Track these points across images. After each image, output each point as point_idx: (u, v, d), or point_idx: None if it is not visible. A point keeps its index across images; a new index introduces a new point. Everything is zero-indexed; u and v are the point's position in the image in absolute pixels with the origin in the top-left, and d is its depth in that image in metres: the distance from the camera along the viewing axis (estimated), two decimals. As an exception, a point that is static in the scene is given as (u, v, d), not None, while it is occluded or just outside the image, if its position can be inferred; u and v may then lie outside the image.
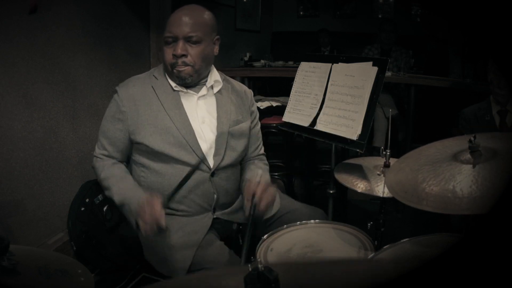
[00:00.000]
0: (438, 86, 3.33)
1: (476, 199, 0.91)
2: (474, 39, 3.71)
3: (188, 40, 1.40)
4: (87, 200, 2.27)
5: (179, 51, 1.39)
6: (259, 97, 3.60)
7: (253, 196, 1.37)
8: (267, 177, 1.54)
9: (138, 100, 1.46)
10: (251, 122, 1.63)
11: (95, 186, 2.34)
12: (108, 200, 2.34)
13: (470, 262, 0.69)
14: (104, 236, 2.28)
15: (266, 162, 1.70)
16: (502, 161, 0.99)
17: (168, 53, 1.42)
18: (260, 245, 1.37)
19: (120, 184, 1.45)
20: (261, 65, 4.27)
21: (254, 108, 1.67)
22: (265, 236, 1.41)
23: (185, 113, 1.47)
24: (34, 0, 1.91)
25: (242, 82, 4.02)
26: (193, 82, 1.47)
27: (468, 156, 1.04)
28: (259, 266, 0.62)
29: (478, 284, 0.65)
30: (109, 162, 1.51)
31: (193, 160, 1.45)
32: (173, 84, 1.47)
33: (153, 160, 1.47)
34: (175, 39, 1.40)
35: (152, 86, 1.48)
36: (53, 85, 2.11)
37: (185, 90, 1.48)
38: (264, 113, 3.28)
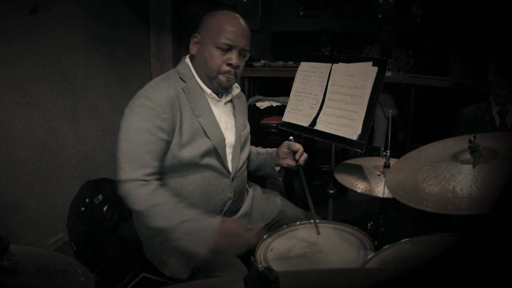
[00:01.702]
0: (438, 86, 3.33)
1: (476, 199, 0.91)
2: (474, 39, 3.71)
3: (242, 52, 1.40)
4: (87, 200, 2.27)
5: (236, 62, 1.38)
6: (259, 97, 3.60)
7: (295, 152, 1.53)
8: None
9: (174, 105, 1.36)
10: None
11: (95, 186, 2.34)
12: (108, 200, 2.36)
13: (470, 262, 0.69)
14: (104, 236, 2.28)
15: None
16: (502, 161, 0.99)
17: (220, 59, 1.37)
18: (260, 245, 1.37)
19: (183, 211, 1.27)
20: (261, 65, 4.27)
21: None
22: (265, 236, 1.41)
23: (216, 120, 1.44)
24: (34, 0, 1.91)
25: (242, 82, 4.02)
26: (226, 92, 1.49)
27: (468, 156, 1.04)
28: (259, 266, 0.62)
29: (478, 284, 0.65)
30: (152, 186, 1.30)
31: (218, 166, 1.44)
32: (208, 90, 1.43)
33: (179, 167, 1.40)
34: (231, 48, 1.37)
35: (182, 89, 1.40)
36: (53, 85, 2.11)
37: (217, 98, 1.46)
38: (264, 113, 3.28)
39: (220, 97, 1.48)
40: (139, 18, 2.78)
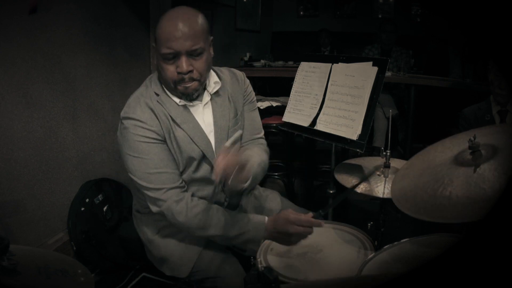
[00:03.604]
0: (438, 86, 3.33)
1: (476, 204, 0.90)
2: (474, 39, 3.71)
3: (191, 54, 1.26)
4: (87, 200, 2.27)
5: (186, 68, 1.26)
6: (259, 97, 3.60)
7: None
8: (254, 157, 1.37)
9: (156, 118, 1.32)
10: (247, 105, 1.53)
11: (95, 186, 2.34)
12: (108, 200, 2.36)
13: (470, 262, 0.69)
14: (104, 236, 2.28)
15: (263, 143, 1.56)
16: (502, 158, 0.98)
17: (170, 70, 1.27)
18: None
19: (230, 216, 1.34)
20: (261, 65, 4.27)
21: (249, 90, 1.54)
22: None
23: (199, 125, 1.37)
24: (34, 0, 1.91)
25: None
26: (198, 94, 1.38)
27: (468, 157, 1.03)
28: (259, 266, 0.62)
29: (477, 284, 0.65)
30: (187, 197, 1.31)
31: (208, 173, 1.39)
32: (177, 100, 1.35)
33: None
34: (176, 55, 1.26)
35: (158, 102, 1.34)
36: (53, 85, 2.11)
37: (190, 103, 1.37)
38: (264, 113, 3.28)
39: (200, 100, 1.39)
40: (139, 18, 2.78)
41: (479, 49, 3.68)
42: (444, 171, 1.03)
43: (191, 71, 1.28)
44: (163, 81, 1.35)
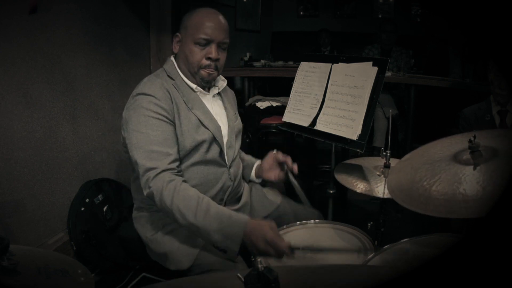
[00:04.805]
0: (438, 86, 3.33)
1: (476, 201, 0.91)
2: (474, 39, 3.71)
3: (220, 45, 1.44)
4: (87, 200, 2.27)
5: (215, 55, 1.43)
6: (259, 97, 3.59)
7: (281, 163, 1.59)
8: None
9: (169, 98, 1.41)
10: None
11: (95, 186, 2.34)
12: (108, 200, 2.36)
13: (470, 262, 0.69)
14: (104, 236, 2.28)
15: None
16: (502, 160, 0.98)
17: (199, 54, 1.43)
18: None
19: (215, 208, 1.28)
20: (261, 65, 4.27)
21: None
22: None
23: (209, 111, 1.50)
24: (34, 0, 1.91)
25: (242, 82, 4.02)
26: (211, 85, 1.54)
27: (467, 156, 1.04)
28: (259, 266, 0.62)
29: (477, 284, 0.65)
30: (177, 181, 1.29)
31: (217, 157, 1.49)
32: (193, 85, 1.48)
33: (181, 156, 1.43)
34: (209, 42, 1.42)
35: (174, 86, 1.46)
36: (53, 85, 2.11)
37: (204, 91, 1.50)
38: (264, 113, 3.28)
39: (207, 91, 1.53)
40: (139, 18, 2.78)
41: (479, 49, 3.68)
42: (442, 167, 1.04)
43: (217, 60, 1.45)
44: (186, 65, 1.46)
